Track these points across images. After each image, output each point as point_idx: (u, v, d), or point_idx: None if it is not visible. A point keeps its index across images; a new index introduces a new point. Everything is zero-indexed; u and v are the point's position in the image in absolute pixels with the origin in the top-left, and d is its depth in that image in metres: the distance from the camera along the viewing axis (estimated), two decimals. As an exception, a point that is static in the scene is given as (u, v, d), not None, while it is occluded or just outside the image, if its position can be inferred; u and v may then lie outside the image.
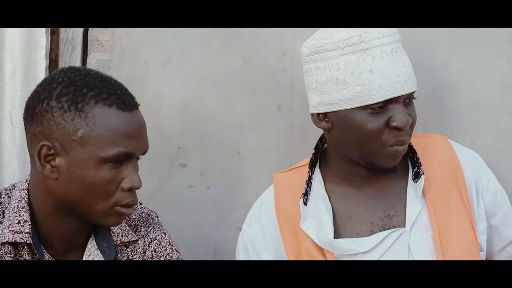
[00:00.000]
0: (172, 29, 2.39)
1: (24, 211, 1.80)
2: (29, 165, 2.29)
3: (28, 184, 1.84)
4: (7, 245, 1.77)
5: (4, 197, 1.85)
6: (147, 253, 1.94)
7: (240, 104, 2.39)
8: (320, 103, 1.99)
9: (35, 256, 1.79)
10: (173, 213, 2.41)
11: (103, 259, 1.85)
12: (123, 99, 1.76)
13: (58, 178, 1.75)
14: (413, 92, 1.99)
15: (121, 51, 2.41)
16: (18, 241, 1.77)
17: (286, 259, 2.07)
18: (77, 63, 2.40)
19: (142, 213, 1.99)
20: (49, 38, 2.39)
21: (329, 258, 2.01)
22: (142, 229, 1.96)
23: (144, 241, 1.95)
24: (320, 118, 2.02)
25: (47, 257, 1.80)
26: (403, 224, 2.02)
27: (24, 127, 1.82)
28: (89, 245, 1.88)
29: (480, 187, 2.08)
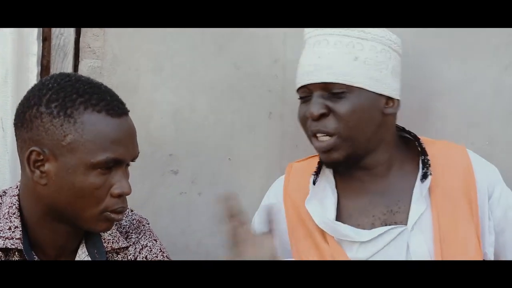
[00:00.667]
0: (163, 37, 2.39)
1: (15, 217, 1.80)
2: (20, 171, 2.30)
3: (19, 190, 1.84)
4: (-2, 251, 1.77)
5: (-6, 204, 1.85)
6: (138, 260, 1.94)
7: (232, 111, 2.40)
8: None
9: (25, 262, 1.79)
10: (164, 220, 2.40)
11: (94, 265, 1.85)
12: (112, 105, 1.76)
13: (47, 184, 1.75)
14: (331, 84, 2.00)
15: (113, 58, 2.41)
16: (9, 247, 1.76)
17: (288, 243, 2.10)
18: (69, 69, 2.40)
19: (133, 219, 1.99)
20: (41, 44, 2.39)
21: (330, 242, 2.03)
22: (133, 236, 1.96)
23: (135, 248, 1.95)
24: None
25: (37, 263, 1.80)
26: (404, 222, 2.03)
27: (14, 133, 1.81)
28: (79, 251, 1.87)
29: (492, 200, 2.07)
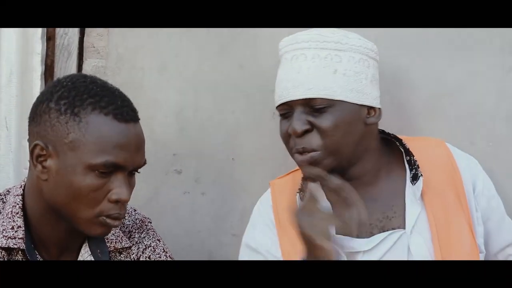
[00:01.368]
0: (167, 36, 2.39)
1: (18, 217, 1.80)
2: (25, 170, 2.30)
3: (22, 189, 1.84)
4: (1, 250, 1.77)
5: (-2, 202, 1.85)
6: (141, 259, 1.94)
7: (235, 111, 2.39)
8: None
9: (28, 262, 1.79)
10: (167, 220, 2.40)
11: (97, 265, 1.85)
12: (121, 110, 1.75)
13: (48, 179, 1.76)
14: (312, 99, 1.97)
15: (117, 57, 2.42)
16: (12, 246, 1.77)
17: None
18: (73, 69, 2.40)
19: (136, 219, 1.99)
20: (45, 44, 2.40)
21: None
22: (136, 235, 1.96)
23: (138, 248, 1.95)
24: None
25: (40, 262, 1.81)
26: (402, 226, 2.02)
27: (21, 131, 1.82)
28: (82, 250, 1.88)
29: (476, 191, 2.08)
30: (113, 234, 1.90)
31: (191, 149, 2.41)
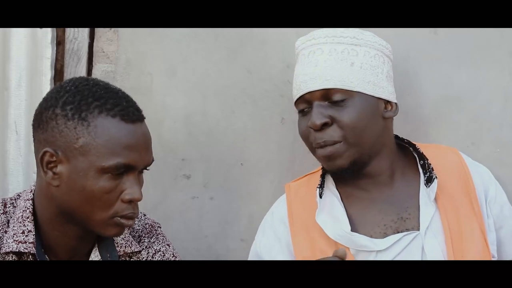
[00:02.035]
0: (176, 41, 2.40)
1: (28, 221, 1.81)
2: (34, 174, 2.31)
3: (33, 194, 1.85)
4: (11, 255, 1.78)
5: (9, 207, 1.86)
6: (150, 263, 1.95)
7: (244, 116, 2.40)
8: None
9: (39, 266, 1.80)
10: (176, 224, 2.41)
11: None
12: (127, 111, 1.77)
13: (59, 185, 1.76)
14: (330, 91, 2.01)
15: (126, 62, 2.42)
16: (22, 250, 1.78)
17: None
18: (82, 73, 2.41)
19: (145, 224, 2.00)
20: (55, 48, 2.40)
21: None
22: (145, 240, 1.97)
23: (148, 252, 1.96)
24: None
25: (50, 266, 1.81)
26: (416, 227, 2.03)
27: (31, 135, 1.83)
28: (92, 255, 1.89)
29: (488, 199, 2.09)
30: (123, 239, 1.91)
31: (200, 154, 2.41)
